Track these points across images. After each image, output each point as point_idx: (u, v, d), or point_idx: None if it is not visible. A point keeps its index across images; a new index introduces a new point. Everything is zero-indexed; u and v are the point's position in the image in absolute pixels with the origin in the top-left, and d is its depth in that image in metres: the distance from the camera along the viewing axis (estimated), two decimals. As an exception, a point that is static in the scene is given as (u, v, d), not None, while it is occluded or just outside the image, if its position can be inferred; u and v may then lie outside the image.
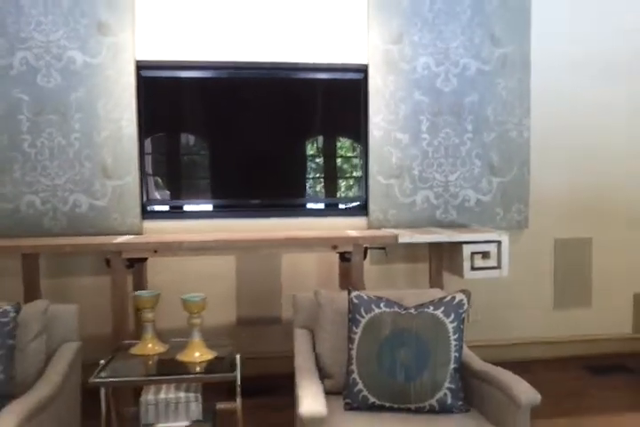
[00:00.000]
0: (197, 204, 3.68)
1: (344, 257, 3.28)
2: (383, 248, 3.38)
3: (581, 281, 3.88)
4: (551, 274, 3.85)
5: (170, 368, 1.97)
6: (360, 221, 3.67)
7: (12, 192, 3.33)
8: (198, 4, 3.47)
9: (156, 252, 2.98)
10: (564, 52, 3.73)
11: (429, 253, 3.42)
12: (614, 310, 3.93)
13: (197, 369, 1.97)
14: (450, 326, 2.10)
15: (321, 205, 3.79)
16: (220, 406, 2.08)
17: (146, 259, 3.23)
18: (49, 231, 3.35)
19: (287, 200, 3.73)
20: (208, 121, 3.68)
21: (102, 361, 1.99)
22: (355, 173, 3.79)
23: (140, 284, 3.24)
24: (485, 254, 3.17)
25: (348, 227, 3.63)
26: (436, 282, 3.37)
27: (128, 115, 3.38)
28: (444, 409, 2.03)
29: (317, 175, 3.83)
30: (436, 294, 2.36)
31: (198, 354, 2.00)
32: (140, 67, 3.42)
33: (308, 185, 3.81)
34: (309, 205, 3.78)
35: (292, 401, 2.04)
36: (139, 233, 3.42)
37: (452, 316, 2.11)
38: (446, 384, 2.04)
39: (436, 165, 3.63)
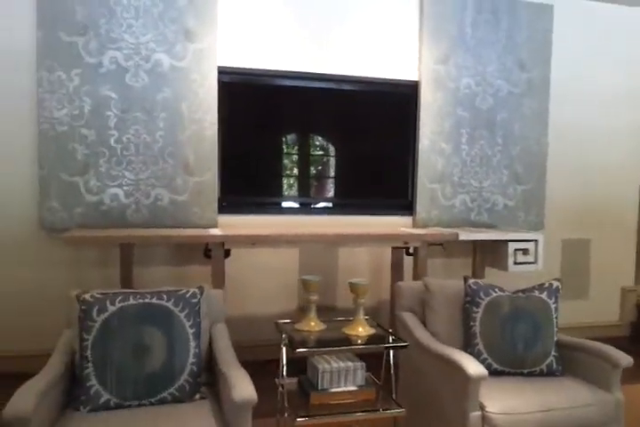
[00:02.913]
0: (266, 200, 3.98)
1: (407, 252, 3.71)
2: (441, 244, 3.84)
3: (581, 276, 4.56)
4: (559, 269, 4.49)
5: (343, 341, 2.32)
6: (406, 220, 4.13)
7: (96, 185, 3.49)
8: (273, 20, 3.78)
9: (254, 244, 3.28)
10: (578, 81, 4.37)
11: (474, 249, 3.94)
12: (606, 301, 4.64)
13: (360, 342, 2.33)
14: (552, 306, 2.60)
15: (371, 205, 4.20)
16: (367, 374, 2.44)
17: (229, 250, 3.50)
18: (131, 223, 3.54)
19: (341, 200, 4.12)
20: (279, 125, 3.99)
21: (284, 335, 2.31)
22: (398, 177, 4.22)
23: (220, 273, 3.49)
24: (525, 251, 3.72)
25: (396, 225, 4.07)
26: (479, 274, 3.89)
27: (210, 116, 3.63)
28: (549, 373, 2.52)
29: (369, 178, 4.23)
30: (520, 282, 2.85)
31: (361, 329, 2.37)
32: (220, 72, 3.67)
33: (360, 186, 4.20)
34: (361, 205, 4.17)
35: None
36: (214, 226, 3.68)
37: (553, 298, 2.62)
38: (552, 353, 2.53)
39: (473, 172, 4.16)
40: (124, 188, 3.53)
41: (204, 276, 3.70)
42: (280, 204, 4.01)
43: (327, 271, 4.00)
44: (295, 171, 4.07)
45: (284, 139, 4.02)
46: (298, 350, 2.15)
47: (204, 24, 3.59)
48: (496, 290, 2.61)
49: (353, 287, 2.36)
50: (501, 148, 4.21)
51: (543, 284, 2.68)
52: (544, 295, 2.61)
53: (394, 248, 3.87)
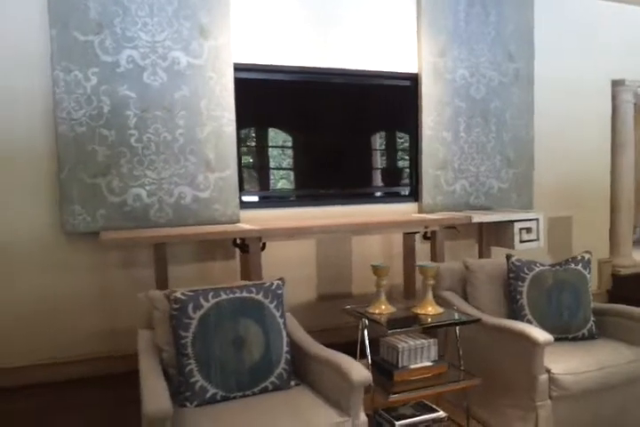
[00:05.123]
0: (282, 193, 4.07)
1: (425, 236, 3.90)
2: (455, 227, 4.06)
3: (565, 249, 4.94)
4: (546, 245, 4.84)
5: (419, 319, 2.48)
6: (412, 206, 4.33)
7: (119, 186, 3.44)
8: (282, 17, 3.84)
9: (290, 236, 3.36)
10: (557, 71, 4.71)
11: (480, 230, 4.19)
12: (586, 271, 5.05)
13: (432, 320, 2.50)
14: (587, 277, 2.88)
15: (377, 193, 4.37)
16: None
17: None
18: (155, 223, 3.52)
19: (350, 189, 4.25)
20: (289, 119, 4.07)
21: (364, 320, 2.44)
22: (402, 165, 4.42)
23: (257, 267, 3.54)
24: (529, 230, 4.01)
25: (403, 212, 4.27)
26: (485, 254, 4.16)
27: (228, 113, 3.65)
28: (590, 336, 2.79)
29: (375, 167, 4.39)
30: (547, 258, 3.13)
31: (431, 308, 2.53)
32: (235, 69, 3.69)
33: (367, 176, 4.35)
34: (368, 194, 4.34)
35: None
36: (237, 222, 3.72)
37: (587, 269, 2.89)
38: (591, 318, 2.81)
39: (470, 159, 4.41)
40: (147, 187, 3.50)
41: (229, 271, 3.77)
42: (292, 196, 4.11)
43: (342, 260, 4.13)
44: (310, 164, 4.17)
45: (299, 132, 4.11)
46: (392, 330, 2.29)
47: (218, 21, 3.60)
48: (537, 265, 2.86)
49: (422, 270, 2.52)
50: (495, 135, 4.48)
51: (576, 257, 2.95)
52: (580, 267, 2.88)
53: (406, 234, 4.05)
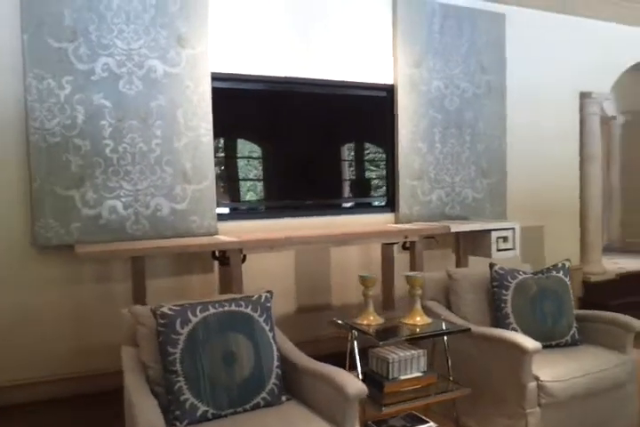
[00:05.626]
0: (254, 205, 4.01)
1: (404, 246, 3.90)
2: (433, 237, 4.08)
3: (537, 258, 5.02)
4: (519, 253, 4.92)
5: (408, 330, 2.46)
6: (388, 216, 4.34)
7: (93, 198, 3.34)
8: (259, 28, 3.82)
9: (271, 248, 3.31)
10: (527, 84, 4.83)
11: (457, 239, 4.22)
12: (558, 279, 5.15)
13: (420, 330, 2.49)
14: (568, 284, 2.92)
15: (354, 204, 4.37)
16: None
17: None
18: (132, 236, 3.42)
19: (325, 200, 4.24)
20: (265, 129, 4.04)
21: (354, 331, 2.40)
22: (378, 175, 4.43)
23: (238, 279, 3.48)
24: (505, 239, 4.07)
25: (379, 222, 4.27)
26: (463, 263, 4.19)
27: (205, 124, 3.60)
28: (573, 343, 2.82)
29: (350, 178, 4.39)
30: (526, 266, 3.17)
31: (419, 318, 2.52)
32: (212, 78, 3.64)
33: (342, 186, 4.35)
34: (344, 204, 4.33)
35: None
36: (215, 234, 3.64)
37: (567, 277, 2.94)
38: (574, 325, 2.85)
39: (446, 169, 4.45)
40: (123, 199, 3.40)
41: (207, 284, 3.69)
42: (266, 207, 4.07)
43: (321, 271, 4.10)
44: (285, 174, 4.13)
45: (272, 142, 4.07)
46: (383, 341, 2.26)
47: (196, 30, 3.55)
48: (520, 273, 2.89)
49: (410, 280, 2.51)
50: (469, 145, 4.54)
51: (556, 264, 3.00)
52: (561, 274, 2.92)
53: (384, 244, 4.05)
